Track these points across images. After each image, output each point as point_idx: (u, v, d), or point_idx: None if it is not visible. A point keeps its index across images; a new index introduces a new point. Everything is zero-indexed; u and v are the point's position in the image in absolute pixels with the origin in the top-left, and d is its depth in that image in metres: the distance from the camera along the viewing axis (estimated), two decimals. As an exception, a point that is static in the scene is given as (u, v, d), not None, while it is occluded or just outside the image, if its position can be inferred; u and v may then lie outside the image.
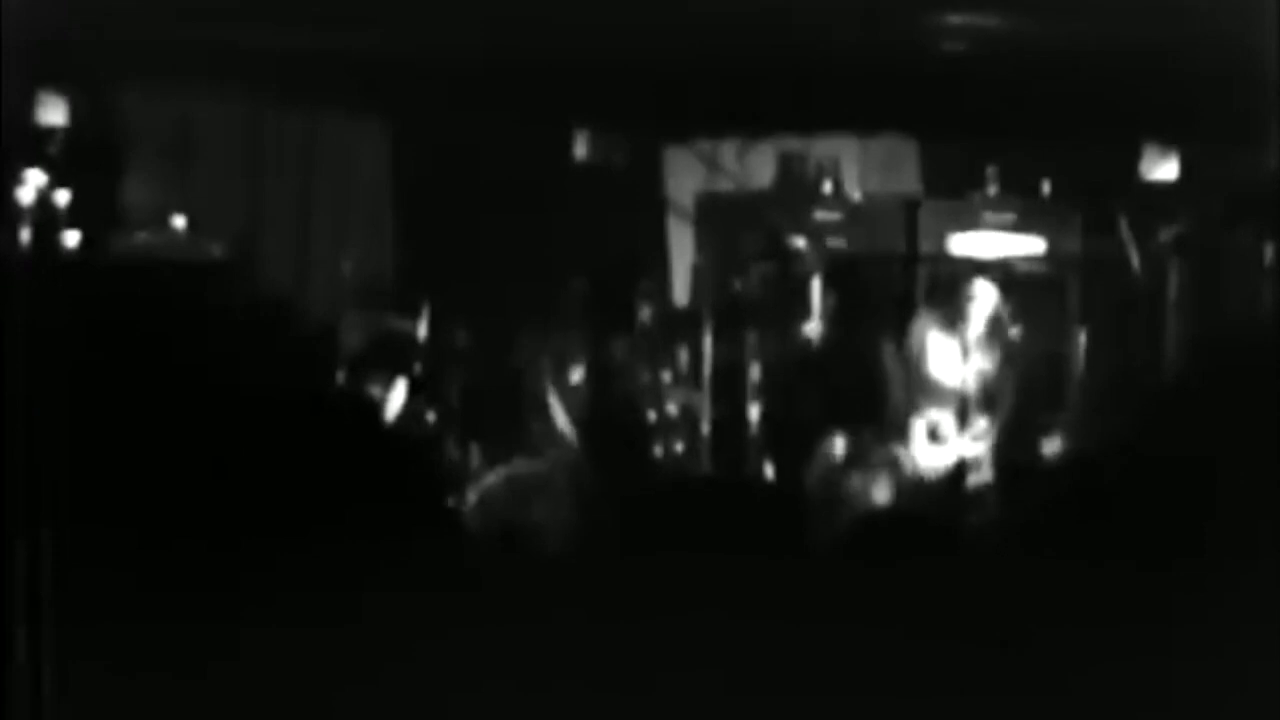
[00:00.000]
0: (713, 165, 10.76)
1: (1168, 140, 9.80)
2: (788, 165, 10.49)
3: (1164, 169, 9.84)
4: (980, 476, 8.46)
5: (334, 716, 2.30)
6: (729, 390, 8.98)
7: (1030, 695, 2.27)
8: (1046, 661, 2.25)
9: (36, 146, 8.60)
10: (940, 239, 9.93)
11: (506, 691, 2.34)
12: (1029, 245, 9.86)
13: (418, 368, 8.79)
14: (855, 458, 8.60)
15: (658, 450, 8.73)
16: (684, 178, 10.85)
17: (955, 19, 8.13)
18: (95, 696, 2.26)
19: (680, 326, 9.35)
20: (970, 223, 9.93)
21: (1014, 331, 8.68)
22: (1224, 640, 2.20)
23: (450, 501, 8.02)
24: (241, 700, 2.28)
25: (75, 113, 8.89)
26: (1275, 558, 2.18)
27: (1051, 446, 8.67)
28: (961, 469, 8.43)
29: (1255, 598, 2.19)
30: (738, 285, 9.68)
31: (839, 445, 8.59)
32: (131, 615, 2.27)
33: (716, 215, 10.52)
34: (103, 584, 2.27)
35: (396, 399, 8.65)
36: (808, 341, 9.24)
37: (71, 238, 8.50)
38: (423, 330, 8.86)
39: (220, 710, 2.27)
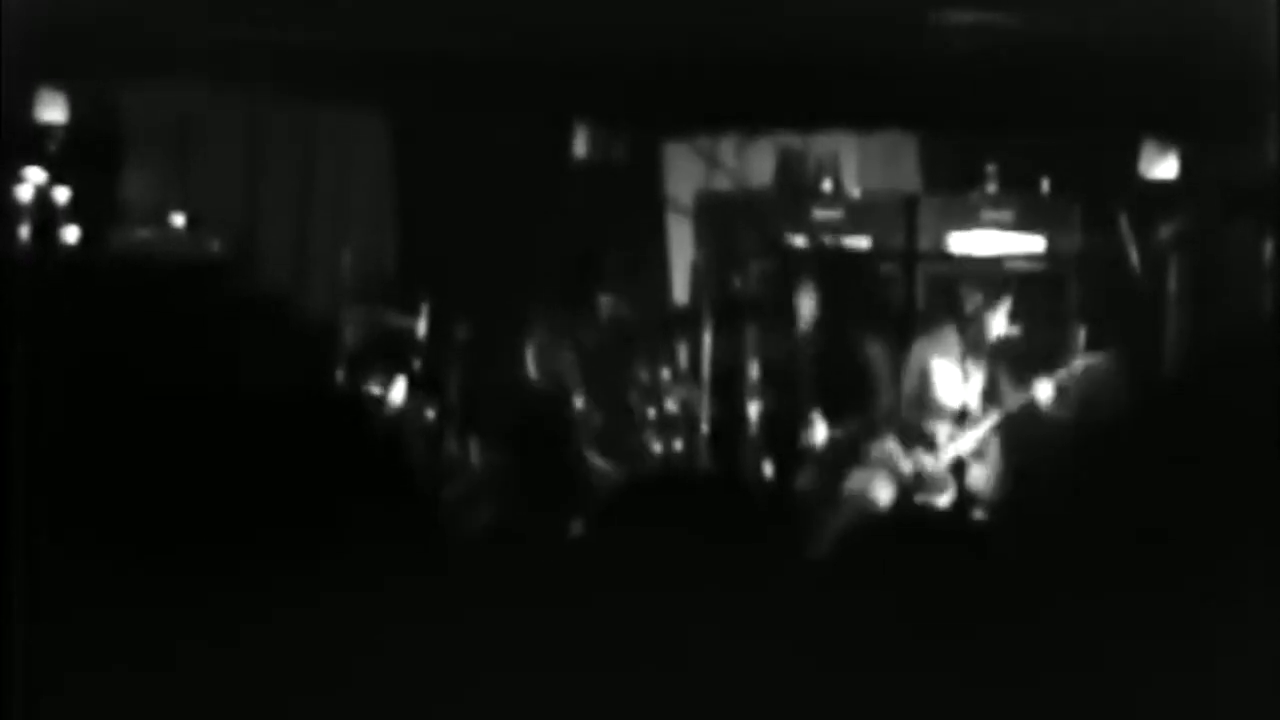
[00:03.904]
0: (712, 162, 10.76)
1: (1167, 137, 9.80)
2: (787, 162, 10.49)
3: (1163, 166, 9.83)
4: (979, 473, 8.44)
5: (331, 715, 2.30)
6: (728, 387, 8.98)
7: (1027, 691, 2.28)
8: (1037, 666, 2.25)
9: (36, 143, 8.60)
10: (939, 236, 9.93)
11: (503, 689, 2.34)
12: (1028, 242, 9.85)
13: (418, 363, 8.80)
14: (851, 456, 8.61)
15: (656, 447, 8.74)
16: (683, 174, 10.84)
17: (955, 15, 8.13)
18: (93, 699, 2.27)
19: (679, 323, 9.36)
20: (969, 220, 9.92)
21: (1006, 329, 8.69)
22: (1222, 643, 2.20)
23: (449, 496, 8.04)
24: (241, 701, 2.28)
25: (75, 109, 8.90)
26: (1275, 557, 2.18)
27: (1049, 443, 8.67)
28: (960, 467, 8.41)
29: (1254, 599, 2.19)
30: (737, 282, 9.68)
31: (829, 440, 8.61)
32: (132, 615, 2.28)
33: (716, 212, 10.52)
34: (105, 583, 2.27)
35: (396, 395, 8.66)
36: (806, 339, 9.24)
37: (71, 234, 8.51)
38: (423, 326, 8.87)
39: (221, 709, 2.27)
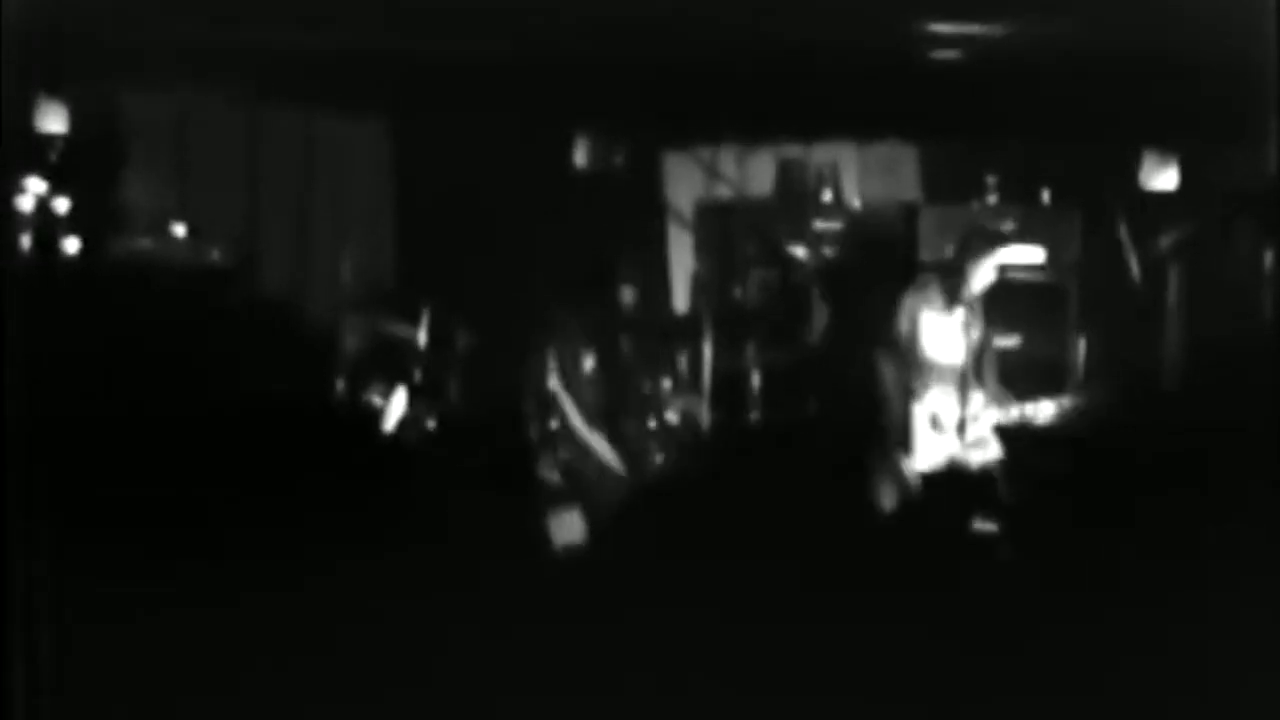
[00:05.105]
0: (712, 171, 10.77)
1: (1167, 145, 9.81)
2: (787, 172, 10.50)
3: (1163, 174, 9.84)
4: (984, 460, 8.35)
5: (333, 716, 2.30)
6: (729, 397, 8.98)
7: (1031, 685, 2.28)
8: (1046, 658, 2.25)
9: (37, 153, 8.60)
10: (939, 246, 9.92)
11: (504, 693, 2.34)
12: (1028, 251, 9.83)
13: (418, 373, 8.79)
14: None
15: (658, 458, 8.73)
16: (683, 184, 10.85)
17: (954, 25, 8.14)
18: (97, 699, 2.27)
19: (680, 333, 9.36)
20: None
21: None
22: (1222, 638, 2.21)
23: (450, 503, 8.03)
24: (238, 703, 2.28)
25: (75, 118, 8.90)
26: (1274, 556, 2.18)
27: (1052, 447, 8.63)
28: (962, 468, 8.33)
29: (1254, 598, 2.19)
30: (737, 292, 9.68)
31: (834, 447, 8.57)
32: (132, 615, 2.28)
33: (716, 222, 10.52)
34: (104, 585, 2.27)
35: (397, 404, 8.65)
36: (807, 348, 9.24)
37: (71, 244, 8.51)
38: (423, 335, 8.87)
39: (219, 711, 2.27)
